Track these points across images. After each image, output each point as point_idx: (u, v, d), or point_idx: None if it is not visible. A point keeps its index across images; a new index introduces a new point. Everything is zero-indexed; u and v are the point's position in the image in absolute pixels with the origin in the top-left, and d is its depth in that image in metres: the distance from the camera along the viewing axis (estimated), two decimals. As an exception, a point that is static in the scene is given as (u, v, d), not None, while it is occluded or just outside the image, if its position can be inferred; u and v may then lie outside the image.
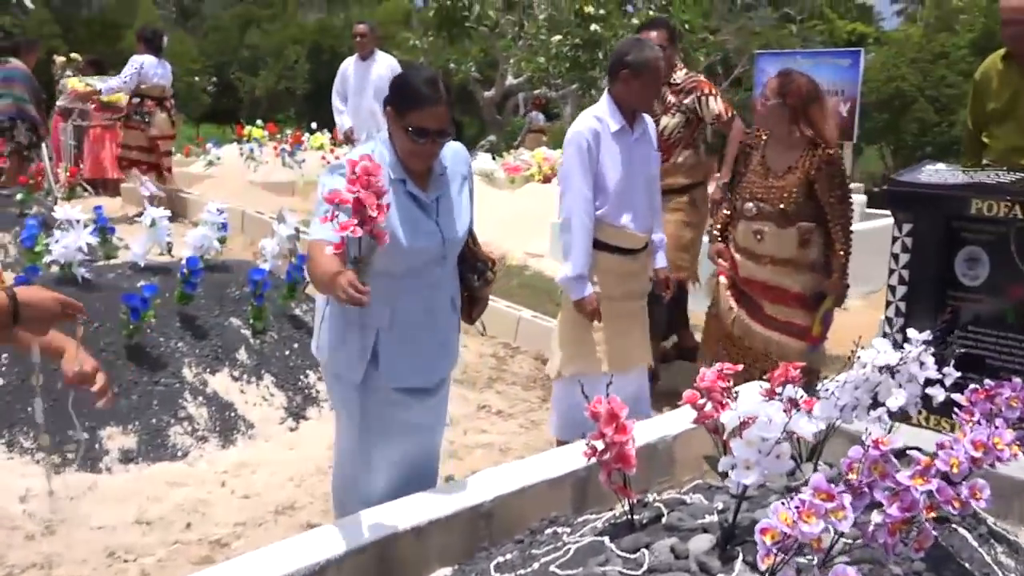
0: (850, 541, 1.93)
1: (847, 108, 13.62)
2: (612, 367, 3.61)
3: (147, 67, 8.20)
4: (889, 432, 2.29)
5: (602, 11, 13.57)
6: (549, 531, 2.46)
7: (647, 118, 3.82)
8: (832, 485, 1.58)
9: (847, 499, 1.52)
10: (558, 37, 13.96)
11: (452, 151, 2.75)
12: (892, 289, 3.50)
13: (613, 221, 3.65)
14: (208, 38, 33.66)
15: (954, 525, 2.23)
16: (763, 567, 1.55)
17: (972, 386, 2.31)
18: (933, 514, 1.71)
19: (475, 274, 2.86)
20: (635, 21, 12.51)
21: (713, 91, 4.65)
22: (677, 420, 3.15)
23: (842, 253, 3.86)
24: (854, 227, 3.97)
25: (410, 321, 2.69)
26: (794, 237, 3.85)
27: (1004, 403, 2.23)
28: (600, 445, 2.10)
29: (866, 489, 1.72)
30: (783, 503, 1.50)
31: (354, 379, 2.69)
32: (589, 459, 2.12)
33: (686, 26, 12.39)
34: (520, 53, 14.12)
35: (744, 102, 15.74)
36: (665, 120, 4.59)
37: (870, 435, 1.75)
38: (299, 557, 2.29)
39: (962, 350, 3.27)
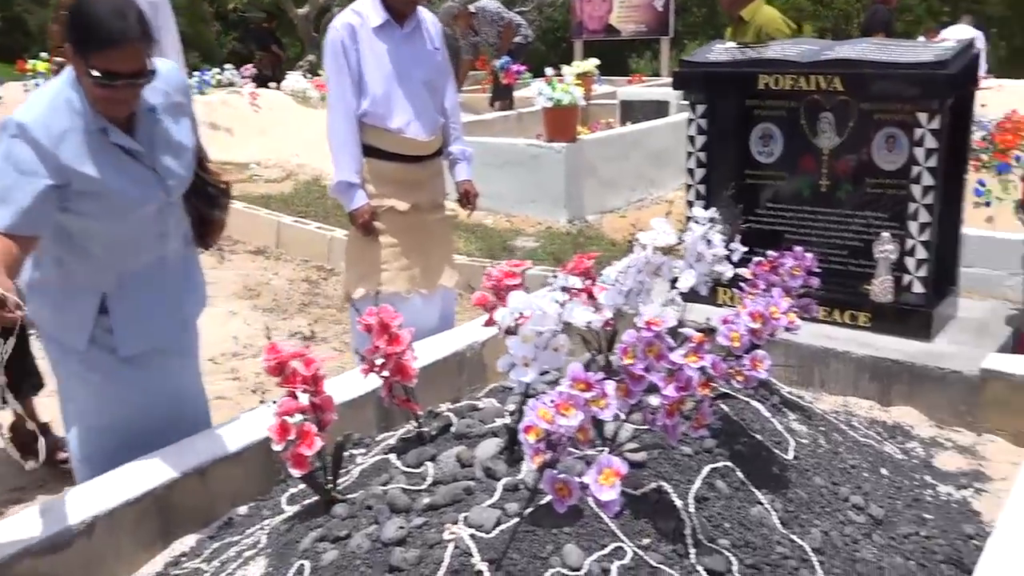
0: (640, 427, 1.88)
1: (662, 2, 13.78)
2: (402, 286, 3.38)
3: None
4: (682, 313, 2.25)
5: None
6: (347, 454, 2.32)
7: (426, 15, 3.50)
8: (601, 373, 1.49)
9: (610, 386, 1.43)
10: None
11: (163, 77, 2.27)
12: (691, 172, 3.48)
13: (382, 124, 3.36)
14: (-13, -32, 30.53)
15: (746, 399, 2.23)
16: (534, 466, 1.46)
17: (756, 259, 2.29)
18: (708, 391, 1.65)
19: (209, 202, 2.54)
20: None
21: None
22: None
23: None
24: (671, 119, 3.94)
25: (141, 277, 2.38)
26: None
27: (787, 272, 2.21)
28: (378, 360, 1.96)
29: (643, 372, 1.65)
30: (537, 398, 1.40)
31: (77, 346, 2.36)
32: (366, 376, 1.98)
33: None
34: (329, -36, 13.46)
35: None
36: None
37: (642, 317, 1.68)
38: (66, 515, 2.07)
39: (745, 225, 3.30)
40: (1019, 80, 8.73)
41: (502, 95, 9.31)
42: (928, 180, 2.98)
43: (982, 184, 5.73)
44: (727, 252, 2.28)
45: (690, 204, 3.45)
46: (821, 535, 1.89)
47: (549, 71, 6.36)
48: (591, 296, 2.12)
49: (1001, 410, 2.79)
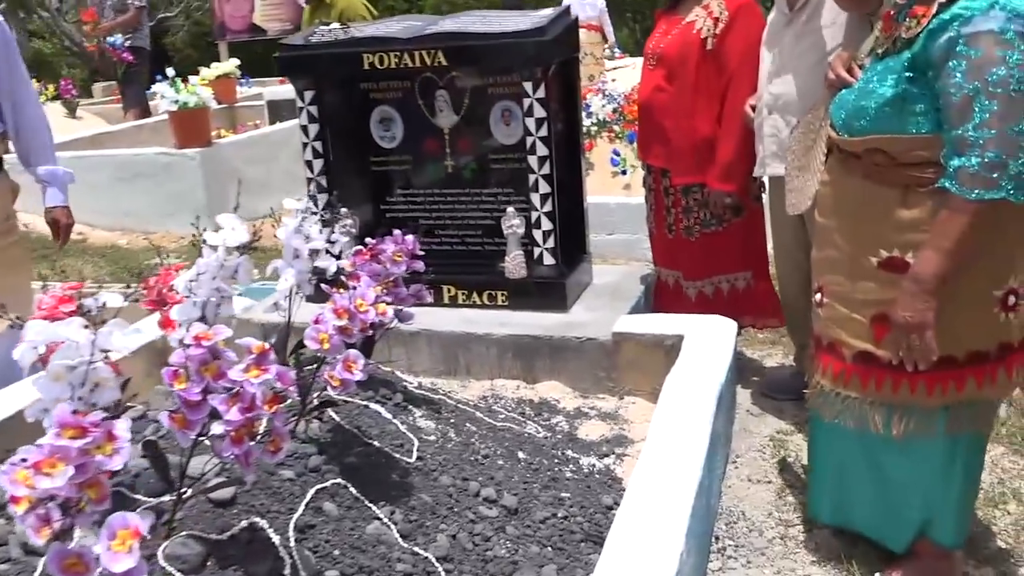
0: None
1: None
2: None
3: None
4: (290, 317, 2.00)
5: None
6: None
7: None
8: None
9: (120, 426, 1.14)
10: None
11: None
12: (309, 164, 3.22)
13: None
14: None
15: (364, 402, 2.02)
16: (40, 541, 1.13)
17: (355, 247, 2.09)
18: (278, 406, 1.40)
19: None
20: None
21: None
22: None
23: None
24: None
25: None
26: None
27: (388, 259, 2.02)
28: None
29: (201, 397, 1.37)
30: (9, 459, 1.08)
31: None
32: None
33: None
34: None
35: None
36: None
37: (190, 333, 1.40)
38: None
39: (352, 218, 3.11)
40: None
41: (133, 102, 8.54)
42: (543, 150, 2.94)
43: (617, 154, 5.98)
44: (327, 245, 2.07)
45: (312, 199, 3.19)
46: (448, 540, 1.72)
47: (171, 71, 5.83)
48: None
49: (636, 371, 2.81)
